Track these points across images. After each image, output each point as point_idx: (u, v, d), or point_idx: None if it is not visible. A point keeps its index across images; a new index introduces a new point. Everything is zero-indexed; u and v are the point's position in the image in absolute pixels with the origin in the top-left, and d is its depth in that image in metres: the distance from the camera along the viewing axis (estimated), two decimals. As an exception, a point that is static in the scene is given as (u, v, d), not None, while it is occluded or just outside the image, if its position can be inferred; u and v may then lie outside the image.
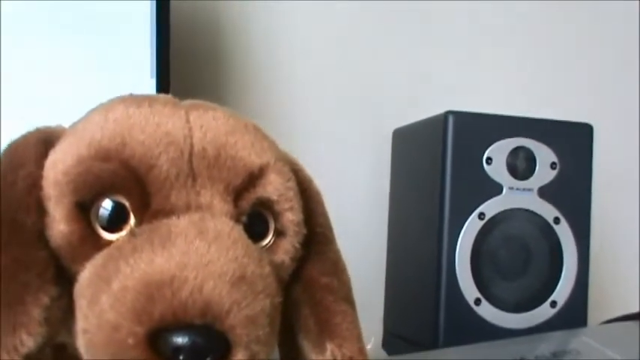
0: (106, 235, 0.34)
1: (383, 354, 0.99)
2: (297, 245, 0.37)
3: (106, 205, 0.34)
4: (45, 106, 0.71)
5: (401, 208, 1.02)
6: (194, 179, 0.35)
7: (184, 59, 0.95)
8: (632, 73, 1.24)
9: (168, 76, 0.77)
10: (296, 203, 0.37)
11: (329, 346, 0.37)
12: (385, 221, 1.05)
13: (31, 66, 0.73)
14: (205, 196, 0.35)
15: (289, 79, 1.07)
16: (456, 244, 0.87)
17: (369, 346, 0.91)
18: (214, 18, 1.02)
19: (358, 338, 0.38)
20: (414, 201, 0.97)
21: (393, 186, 1.05)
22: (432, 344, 0.87)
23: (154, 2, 0.78)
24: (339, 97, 1.09)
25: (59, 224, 0.34)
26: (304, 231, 0.38)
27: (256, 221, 0.36)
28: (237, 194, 0.35)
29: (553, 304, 0.90)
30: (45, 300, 0.32)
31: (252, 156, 0.36)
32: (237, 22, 1.04)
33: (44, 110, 0.70)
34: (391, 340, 1.00)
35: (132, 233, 0.33)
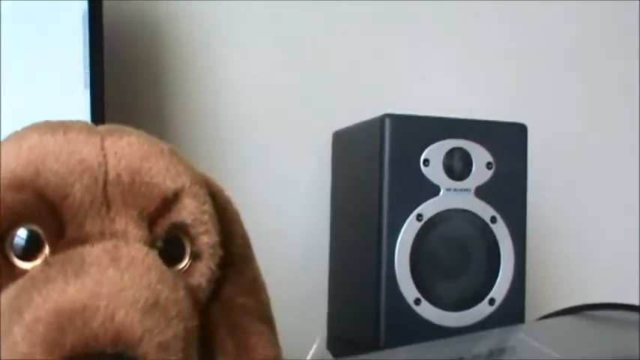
0: (21, 264, 0.34)
1: (328, 355, 1.00)
2: (214, 267, 0.38)
3: (21, 234, 0.34)
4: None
5: (341, 209, 1.03)
6: (108, 206, 0.35)
7: (120, 67, 0.95)
8: (564, 71, 1.27)
9: (102, 86, 0.76)
10: (211, 226, 0.38)
11: None
12: (327, 223, 1.06)
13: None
14: (120, 223, 0.35)
15: (228, 82, 1.06)
16: (395, 245, 0.88)
17: (314, 347, 0.92)
18: (151, 21, 1.01)
19: (275, 358, 0.39)
20: (353, 203, 0.98)
21: (334, 188, 1.05)
22: (374, 345, 0.88)
23: (86, 2, 0.76)
24: (280, 98, 1.09)
25: (-29, 254, 0.34)
26: (220, 253, 0.38)
27: (172, 245, 0.37)
28: (151, 220, 0.36)
29: (491, 301, 0.92)
30: None
31: (166, 181, 0.37)
32: (174, 24, 1.03)
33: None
34: (336, 342, 1.01)
35: (46, 262, 0.33)
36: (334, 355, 0.98)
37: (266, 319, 0.40)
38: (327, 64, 1.13)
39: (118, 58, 0.94)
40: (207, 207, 0.38)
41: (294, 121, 1.10)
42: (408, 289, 0.88)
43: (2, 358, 0.32)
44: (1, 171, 0.35)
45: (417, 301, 0.88)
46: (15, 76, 0.73)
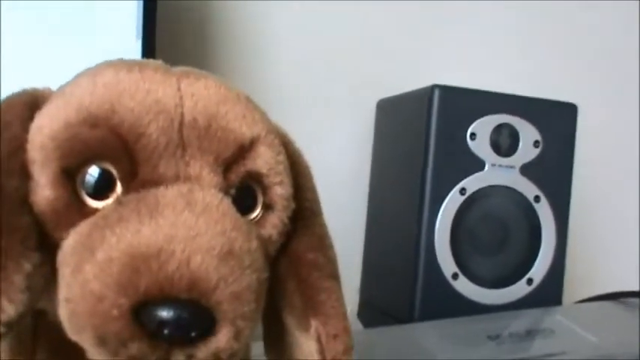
0: (92, 203, 0.33)
1: (358, 324, 0.99)
2: (286, 220, 0.37)
3: (93, 172, 0.33)
4: (29, 69, 0.70)
5: (382, 179, 1.02)
6: (184, 150, 0.34)
7: (171, 19, 0.94)
8: (618, 53, 1.24)
9: (154, 37, 0.75)
10: (285, 177, 0.37)
11: (313, 323, 0.37)
12: (366, 191, 1.05)
13: (14, 28, 0.71)
14: (194, 167, 0.34)
15: (275, 48, 1.05)
16: (436, 219, 0.87)
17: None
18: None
19: (343, 316, 0.38)
20: (395, 173, 0.97)
21: (375, 157, 1.04)
22: (408, 317, 0.88)
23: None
24: (325, 64, 1.08)
25: (44, 190, 0.33)
26: (293, 205, 0.37)
27: (245, 194, 0.36)
28: (226, 166, 0.35)
29: (529, 281, 0.91)
30: (27, 267, 0.31)
31: (243, 128, 0.35)
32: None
33: (28, 72, 0.69)
34: (367, 311, 1.01)
35: (118, 202, 0.33)
36: (365, 325, 0.98)
37: (335, 276, 0.39)
38: (374, 31, 1.11)
39: (170, 10, 0.93)
40: (282, 157, 0.37)
41: (338, 89, 1.08)
42: (447, 263, 0.87)
43: (72, 294, 0.31)
44: (76, 106, 0.34)
45: (455, 276, 0.87)
46: (67, 26, 0.73)
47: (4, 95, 0.37)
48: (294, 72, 1.06)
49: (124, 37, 0.74)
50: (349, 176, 1.07)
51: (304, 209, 0.39)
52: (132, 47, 0.73)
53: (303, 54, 1.07)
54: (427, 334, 0.79)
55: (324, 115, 1.07)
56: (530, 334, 0.80)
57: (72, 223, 0.33)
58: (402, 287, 0.90)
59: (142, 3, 0.75)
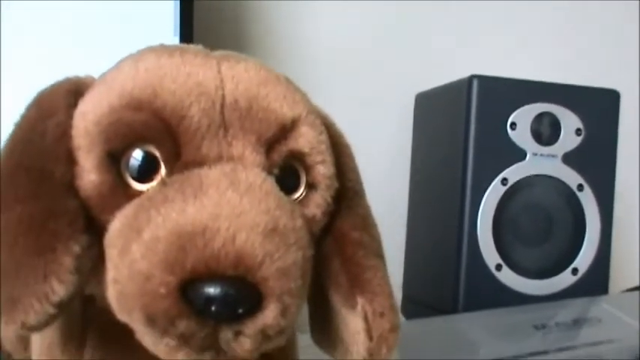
0: (137, 186, 0.33)
1: (401, 318, 0.98)
2: (329, 199, 0.37)
3: (137, 156, 0.33)
4: (67, 60, 0.71)
5: (423, 172, 1.01)
6: (226, 130, 0.34)
7: (208, 18, 0.94)
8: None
9: (191, 35, 0.76)
10: (328, 156, 0.37)
11: (360, 301, 0.37)
12: (406, 185, 1.04)
13: (54, 19, 0.72)
14: (237, 148, 0.34)
15: (313, 41, 1.05)
16: (478, 210, 0.86)
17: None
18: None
19: (389, 294, 0.38)
20: (436, 165, 0.96)
21: (415, 150, 1.04)
22: (452, 309, 0.87)
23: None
24: (363, 58, 1.08)
25: (89, 174, 0.33)
26: (336, 184, 0.37)
27: (288, 174, 0.36)
28: (268, 146, 0.35)
29: (574, 271, 0.90)
30: (76, 248, 0.32)
31: (284, 108, 0.36)
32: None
33: (67, 64, 0.70)
34: (410, 305, 1.00)
35: (163, 183, 0.33)
36: (407, 317, 0.97)
37: (380, 255, 0.39)
38: (412, 25, 1.11)
39: (206, 9, 0.93)
40: (324, 137, 0.37)
41: (377, 83, 1.08)
42: (490, 254, 0.87)
43: (120, 275, 0.31)
44: (119, 91, 0.34)
45: (499, 267, 0.87)
46: (107, 22, 0.74)
47: (47, 84, 0.37)
48: (331, 68, 1.06)
49: (162, 35, 0.75)
50: (389, 171, 1.07)
51: (347, 189, 0.39)
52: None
53: (339, 50, 1.07)
54: (472, 324, 0.78)
55: (363, 111, 1.07)
56: (576, 323, 0.79)
57: (117, 206, 0.33)
58: (445, 280, 0.89)
59: (179, 2, 0.76)
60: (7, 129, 0.36)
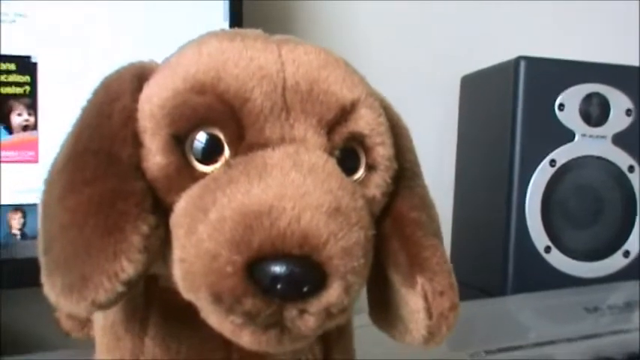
0: (201, 167, 0.34)
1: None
2: (388, 180, 0.37)
3: (201, 138, 0.34)
4: (120, 49, 0.72)
5: (470, 154, 1.01)
6: (287, 113, 0.34)
7: (257, 16, 0.95)
8: None
9: (241, 18, 0.77)
10: (387, 138, 0.37)
11: (419, 280, 0.37)
12: (453, 168, 1.04)
13: (108, 9, 0.73)
14: (299, 130, 0.34)
15: (358, 26, 1.05)
16: (527, 191, 0.86)
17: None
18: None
19: (449, 273, 0.38)
20: (483, 148, 0.96)
21: (461, 133, 1.04)
22: (500, 292, 0.87)
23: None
24: (406, 43, 1.08)
25: (155, 156, 0.34)
26: (395, 166, 0.37)
27: (348, 155, 0.36)
28: (329, 128, 0.35)
29: (626, 253, 0.89)
30: (144, 228, 0.33)
31: (344, 90, 0.36)
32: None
33: (119, 52, 0.71)
34: (458, 288, 1.00)
35: (227, 165, 0.33)
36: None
37: (438, 235, 0.39)
38: (456, 6, 1.10)
39: (256, 7, 0.94)
40: (383, 119, 0.37)
41: (422, 65, 1.08)
42: (539, 237, 0.86)
43: (187, 254, 0.32)
44: (183, 75, 0.35)
45: (548, 249, 0.86)
46: (158, 25, 0.75)
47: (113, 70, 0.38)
48: (376, 52, 1.06)
49: (213, 19, 0.76)
50: (436, 154, 1.07)
51: (405, 170, 0.39)
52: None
53: (385, 34, 1.07)
54: (522, 307, 0.78)
55: (409, 94, 1.06)
56: (629, 305, 0.79)
57: (183, 187, 0.34)
58: (493, 262, 0.89)
59: (228, 2, 0.77)
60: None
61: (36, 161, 0.70)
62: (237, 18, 0.78)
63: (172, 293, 0.34)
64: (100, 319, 0.41)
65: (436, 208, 0.40)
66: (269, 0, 1.00)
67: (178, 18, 0.76)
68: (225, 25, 0.77)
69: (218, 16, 0.77)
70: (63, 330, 0.59)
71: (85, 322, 0.56)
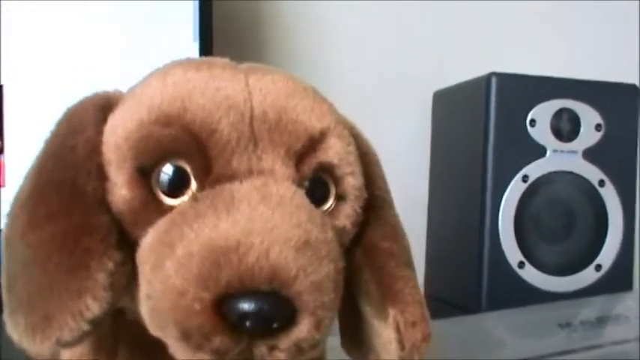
0: (168, 201, 0.33)
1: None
2: (359, 210, 0.37)
3: (167, 170, 0.33)
4: (87, 70, 0.71)
5: (442, 170, 1.01)
6: (255, 143, 0.34)
7: (228, 21, 0.94)
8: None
9: (211, 39, 0.76)
10: (357, 167, 0.37)
11: (391, 312, 0.37)
12: (426, 184, 1.04)
13: (73, 30, 0.72)
14: (267, 161, 0.34)
15: (329, 43, 1.05)
16: (499, 207, 0.86)
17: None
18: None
19: (421, 303, 0.38)
20: (455, 164, 0.96)
21: (434, 149, 1.04)
22: (475, 307, 0.87)
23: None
24: (378, 58, 1.08)
25: (121, 189, 0.33)
26: (365, 195, 0.37)
27: (317, 186, 0.36)
28: (298, 158, 0.35)
29: (598, 267, 0.90)
30: (109, 265, 0.32)
31: (312, 120, 0.35)
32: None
33: (87, 73, 0.70)
34: (432, 304, 0.99)
35: (194, 198, 0.33)
36: (431, 317, 0.97)
37: (410, 265, 0.39)
38: (427, 23, 1.10)
39: (225, 11, 0.93)
40: (352, 148, 0.37)
41: (394, 81, 1.08)
42: (512, 252, 0.86)
43: (153, 291, 0.31)
44: (147, 106, 0.34)
45: (521, 265, 0.87)
46: (129, 29, 0.74)
47: (74, 99, 0.37)
48: (349, 67, 1.06)
49: (182, 39, 0.75)
50: (408, 170, 1.07)
51: (376, 198, 0.39)
52: (190, 49, 0.74)
53: (357, 48, 1.07)
54: (496, 323, 0.78)
55: (381, 110, 1.06)
56: (602, 320, 0.79)
57: (149, 221, 0.33)
58: (467, 278, 0.89)
59: (197, 3, 0.76)
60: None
61: (2, 185, 0.68)
62: (206, 23, 0.77)
63: (140, 327, 0.33)
64: (67, 354, 0.41)
65: (408, 234, 0.40)
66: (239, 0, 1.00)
67: (147, 25, 0.75)
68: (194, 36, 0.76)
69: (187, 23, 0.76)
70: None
71: (57, 355, 0.56)
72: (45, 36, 0.71)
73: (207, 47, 0.75)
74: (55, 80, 0.70)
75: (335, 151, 0.36)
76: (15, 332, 0.32)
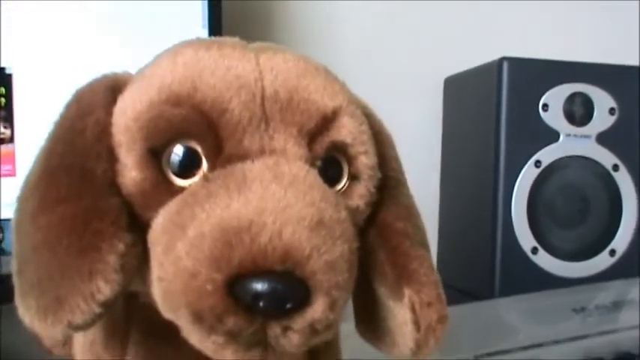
0: (179, 182, 0.33)
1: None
2: (372, 189, 0.36)
3: (178, 151, 0.33)
4: (97, 57, 0.71)
5: (454, 156, 1.01)
6: (267, 123, 0.33)
7: (237, 21, 0.94)
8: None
9: (220, 26, 0.76)
10: (370, 147, 0.36)
11: (407, 292, 0.36)
12: (438, 170, 1.04)
13: (82, 17, 0.72)
14: (279, 140, 0.33)
15: (340, 30, 1.05)
16: (512, 193, 0.86)
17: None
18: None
19: (436, 284, 0.37)
20: (467, 150, 0.96)
21: (446, 135, 1.03)
22: (488, 294, 0.87)
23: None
24: (389, 46, 1.07)
25: (131, 171, 0.33)
26: (379, 175, 0.37)
27: (330, 165, 0.35)
28: (310, 138, 0.34)
29: (612, 252, 0.89)
30: (120, 247, 0.32)
31: (324, 99, 0.35)
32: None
33: (96, 61, 0.70)
34: (445, 291, 0.99)
35: (205, 178, 0.32)
36: (444, 304, 0.96)
37: (425, 245, 0.38)
38: (439, 8, 1.09)
39: (235, 13, 0.93)
40: (365, 127, 0.36)
41: (405, 67, 1.07)
42: (525, 238, 0.86)
43: (165, 273, 0.31)
44: (157, 87, 0.34)
45: (534, 250, 0.86)
46: (138, 15, 0.74)
47: (85, 82, 0.37)
48: (360, 53, 1.05)
49: (191, 26, 0.74)
50: (420, 156, 1.06)
51: (390, 179, 0.38)
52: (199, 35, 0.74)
53: (368, 35, 1.06)
54: (510, 309, 0.78)
55: (392, 96, 1.06)
56: (616, 305, 0.78)
57: (160, 203, 0.33)
58: (480, 264, 0.89)
59: (207, 4, 0.76)
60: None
61: (14, 175, 0.68)
62: (216, 18, 0.77)
63: (153, 311, 0.33)
64: (79, 337, 0.41)
65: (422, 217, 0.39)
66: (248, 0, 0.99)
67: (156, 21, 0.75)
68: (205, 30, 0.76)
69: (197, 17, 0.76)
70: (44, 347, 0.58)
71: (67, 339, 0.55)
72: (55, 23, 0.71)
73: (215, 34, 0.75)
74: (66, 69, 0.70)
75: (348, 130, 0.35)
76: (27, 315, 0.32)
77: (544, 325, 0.75)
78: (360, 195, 0.36)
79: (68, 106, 0.36)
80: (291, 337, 0.30)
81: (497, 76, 0.87)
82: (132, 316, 0.37)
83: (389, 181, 0.38)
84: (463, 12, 1.11)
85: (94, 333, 0.38)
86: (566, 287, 0.84)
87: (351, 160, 0.35)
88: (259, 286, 0.29)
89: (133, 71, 0.38)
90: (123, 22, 0.73)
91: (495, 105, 0.86)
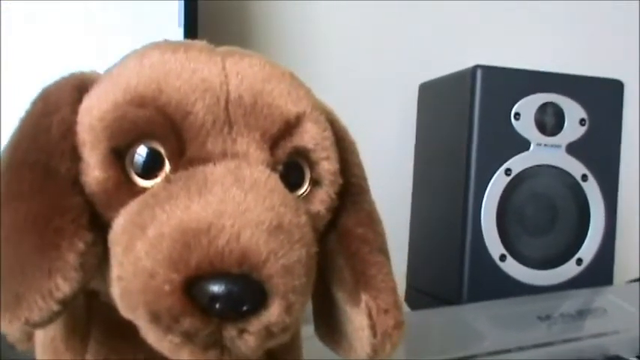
0: (141, 182, 0.33)
1: (405, 308, 0.99)
2: (333, 195, 0.37)
3: (141, 152, 0.33)
4: (72, 53, 0.71)
5: (426, 162, 1.01)
6: (230, 127, 0.34)
7: (213, 9, 0.94)
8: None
9: (196, 26, 0.76)
10: (332, 153, 0.37)
11: (364, 298, 0.37)
12: (410, 176, 1.04)
13: (57, 14, 0.72)
14: (241, 144, 0.34)
15: (315, 33, 1.05)
16: (482, 200, 0.86)
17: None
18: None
19: (393, 290, 0.38)
20: (439, 156, 0.96)
21: (419, 141, 1.04)
22: (456, 299, 0.87)
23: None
24: (364, 50, 1.08)
25: (94, 170, 0.33)
26: (340, 181, 0.37)
27: (292, 170, 0.36)
28: (273, 143, 0.35)
29: (579, 261, 0.90)
30: (80, 245, 0.32)
31: (288, 104, 0.35)
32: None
33: (72, 57, 0.70)
34: (414, 295, 1.00)
35: (167, 180, 0.33)
36: (412, 308, 0.97)
37: (385, 251, 0.39)
38: (413, 14, 1.10)
39: (212, 13, 0.93)
40: (328, 133, 0.37)
41: (380, 72, 1.08)
42: (494, 245, 0.87)
43: (124, 272, 0.31)
44: (123, 87, 0.34)
45: (503, 257, 0.87)
46: (113, 13, 0.74)
47: (53, 80, 0.37)
48: (335, 57, 1.06)
49: (167, 25, 0.74)
50: (392, 161, 1.07)
51: (351, 185, 0.39)
52: (175, 34, 0.74)
53: (343, 39, 1.06)
54: (476, 315, 0.78)
55: (366, 102, 1.06)
56: (581, 314, 0.79)
57: (122, 203, 0.33)
58: (449, 270, 0.89)
59: (182, 4, 0.76)
60: (11, 125, 0.36)
61: None
62: (192, 17, 0.77)
63: (113, 310, 0.33)
64: (40, 334, 0.41)
65: (390, 222, 0.40)
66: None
67: (132, 21, 0.75)
68: (181, 29, 0.76)
69: (173, 16, 0.76)
70: (8, 342, 0.58)
71: (31, 335, 0.55)
72: (29, 24, 0.71)
73: (191, 33, 0.75)
74: (40, 67, 0.70)
75: (311, 136, 0.36)
76: None
77: (510, 332, 0.76)
78: (321, 200, 0.36)
79: (34, 103, 0.36)
80: (247, 339, 0.30)
81: (471, 83, 0.87)
82: (93, 314, 0.38)
83: (351, 187, 0.39)
84: (439, 18, 1.12)
85: (55, 330, 0.39)
86: (533, 295, 0.85)
87: (313, 165, 0.36)
88: (216, 288, 0.29)
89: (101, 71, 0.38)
90: (99, 21, 0.73)
91: (468, 112, 0.87)
